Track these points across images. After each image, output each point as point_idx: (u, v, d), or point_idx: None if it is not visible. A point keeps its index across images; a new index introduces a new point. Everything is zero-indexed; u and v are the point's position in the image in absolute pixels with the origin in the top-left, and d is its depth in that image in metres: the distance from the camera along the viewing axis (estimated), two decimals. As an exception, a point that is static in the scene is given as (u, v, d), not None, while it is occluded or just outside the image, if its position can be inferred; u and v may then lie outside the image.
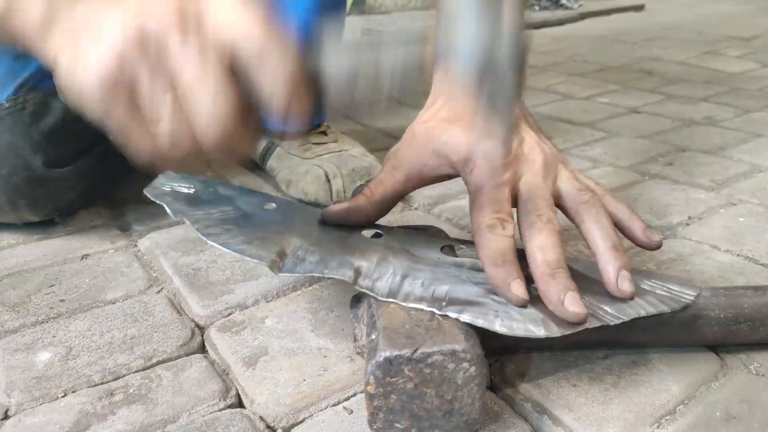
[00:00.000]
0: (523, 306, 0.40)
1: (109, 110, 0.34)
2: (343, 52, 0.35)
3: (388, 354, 0.35)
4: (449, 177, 0.49)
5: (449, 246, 0.49)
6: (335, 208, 0.50)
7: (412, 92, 0.36)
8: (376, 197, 0.49)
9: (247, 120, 0.35)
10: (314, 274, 0.42)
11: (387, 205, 0.50)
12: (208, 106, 0.33)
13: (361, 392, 0.43)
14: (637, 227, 0.46)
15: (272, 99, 0.34)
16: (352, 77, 0.35)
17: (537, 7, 2.52)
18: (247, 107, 0.35)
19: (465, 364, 0.35)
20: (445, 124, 0.48)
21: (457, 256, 0.47)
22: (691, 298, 0.43)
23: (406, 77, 0.35)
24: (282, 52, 0.33)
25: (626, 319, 0.40)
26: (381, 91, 0.36)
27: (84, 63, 0.33)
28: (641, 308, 0.41)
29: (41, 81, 0.63)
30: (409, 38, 0.35)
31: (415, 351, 0.35)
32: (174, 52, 0.32)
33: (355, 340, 0.45)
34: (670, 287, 0.44)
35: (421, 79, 0.36)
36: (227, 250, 0.43)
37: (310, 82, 0.35)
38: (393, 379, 0.35)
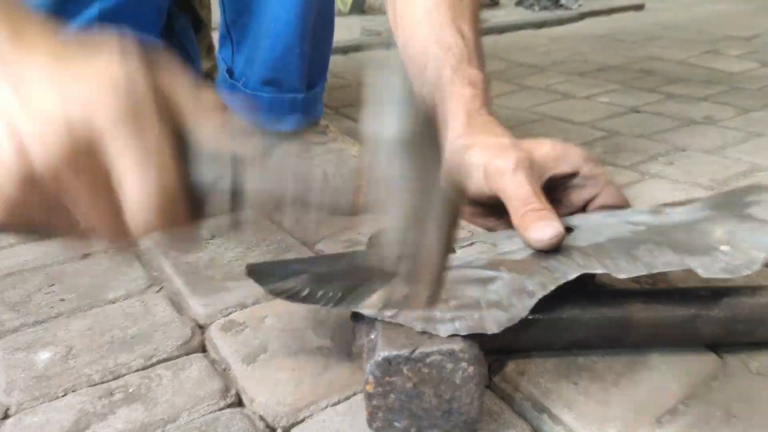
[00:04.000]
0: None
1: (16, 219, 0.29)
2: (266, 167, 0.33)
3: (387, 354, 0.35)
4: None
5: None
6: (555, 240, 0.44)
7: (344, 206, 0.35)
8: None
9: (181, 209, 0.31)
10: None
11: None
12: (95, 228, 0.30)
13: (362, 391, 0.43)
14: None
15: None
16: (274, 194, 0.33)
17: (537, 7, 2.52)
18: (184, 194, 0.31)
19: (463, 364, 0.35)
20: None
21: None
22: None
23: (337, 193, 0.34)
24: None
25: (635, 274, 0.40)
26: (308, 206, 0.33)
27: None
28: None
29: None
30: (342, 158, 0.33)
31: (413, 351, 0.35)
32: (61, 185, 0.27)
33: (354, 339, 0.45)
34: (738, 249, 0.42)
35: (353, 194, 0.33)
36: None
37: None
38: (392, 379, 0.35)
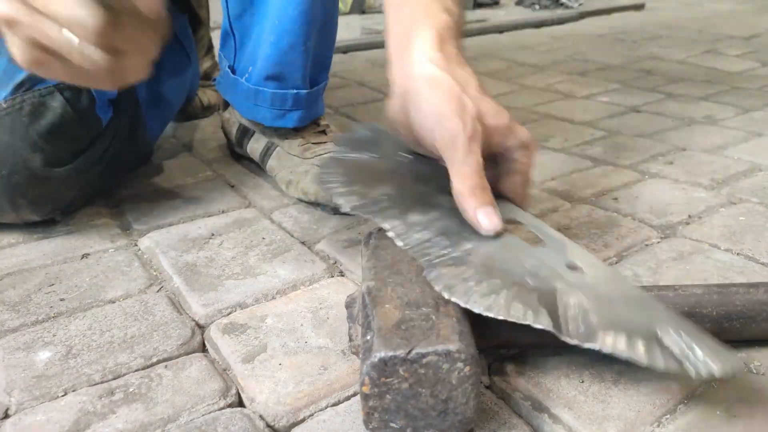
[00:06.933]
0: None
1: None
2: None
3: (383, 355, 0.35)
4: None
5: None
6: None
7: None
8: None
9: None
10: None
11: None
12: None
13: (361, 391, 0.43)
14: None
15: None
16: None
17: (537, 6, 2.52)
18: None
19: (459, 365, 0.35)
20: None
21: None
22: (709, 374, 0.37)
23: None
24: None
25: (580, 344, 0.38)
26: None
27: None
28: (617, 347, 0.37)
29: (38, 81, 0.63)
30: None
31: (409, 352, 0.35)
32: None
33: (351, 339, 0.45)
34: (696, 351, 0.38)
35: None
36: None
37: None
38: (388, 380, 0.35)
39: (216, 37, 0.87)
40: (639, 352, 0.37)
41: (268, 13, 0.73)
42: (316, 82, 0.78)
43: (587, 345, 0.37)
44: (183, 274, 0.59)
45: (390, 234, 0.46)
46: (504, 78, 1.40)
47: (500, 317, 0.38)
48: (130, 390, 0.43)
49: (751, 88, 1.25)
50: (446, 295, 0.39)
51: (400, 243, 0.45)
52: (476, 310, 0.38)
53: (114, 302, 0.55)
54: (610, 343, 0.37)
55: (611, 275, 0.45)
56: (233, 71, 0.81)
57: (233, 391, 0.43)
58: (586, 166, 0.86)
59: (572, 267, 0.44)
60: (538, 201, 0.74)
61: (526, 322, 0.38)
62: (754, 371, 0.44)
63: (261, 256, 0.62)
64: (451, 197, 0.48)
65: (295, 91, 0.76)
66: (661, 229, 0.66)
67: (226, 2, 0.78)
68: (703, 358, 0.37)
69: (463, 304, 0.39)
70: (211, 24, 1.12)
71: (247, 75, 0.78)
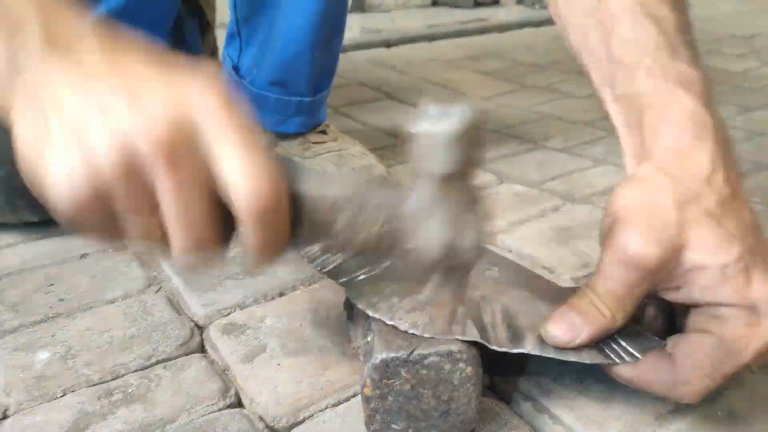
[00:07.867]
0: None
1: (74, 219, 0.32)
2: (327, 183, 0.35)
3: (384, 356, 0.35)
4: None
5: None
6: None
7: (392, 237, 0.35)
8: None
9: (221, 238, 0.34)
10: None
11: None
12: (184, 232, 0.31)
13: (361, 392, 0.43)
14: None
15: (250, 236, 0.33)
16: (335, 209, 0.34)
17: (537, 6, 2.52)
18: (224, 231, 0.33)
19: (461, 365, 0.35)
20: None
21: None
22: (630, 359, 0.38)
23: (388, 219, 0.34)
24: (269, 195, 0.31)
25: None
26: (362, 228, 0.35)
27: (53, 167, 0.31)
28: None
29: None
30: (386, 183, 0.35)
31: (411, 353, 0.35)
32: (159, 179, 0.30)
33: (350, 340, 0.45)
34: (617, 340, 0.38)
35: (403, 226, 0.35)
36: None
37: (291, 213, 0.34)
38: (390, 381, 0.35)
39: (219, 35, 0.87)
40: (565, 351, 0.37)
41: (277, 20, 0.73)
42: (319, 89, 0.78)
43: (516, 350, 0.37)
44: (182, 274, 0.58)
45: (304, 259, 0.45)
46: (504, 77, 1.40)
47: (426, 335, 0.37)
48: (129, 391, 0.43)
49: (753, 87, 1.24)
50: (370, 313, 0.39)
51: (315, 267, 0.44)
52: (402, 327, 0.37)
53: (113, 302, 0.54)
54: (538, 345, 0.38)
55: (525, 273, 0.44)
56: (237, 71, 0.81)
57: (232, 392, 0.43)
58: (587, 165, 0.85)
59: (489, 269, 0.44)
60: (539, 201, 0.74)
61: (454, 337, 0.36)
62: (755, 371, 0.44)
63: (261, 256, 0.62)
64: None
65: (298, 98, 0.76)
66: (662, 228, 0.66)
67: (234, 3, 0.78)
68: (625, 345, 0.38)
69: (388, 321, 0.38)
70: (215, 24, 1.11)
71: (251, 77, 0.78)
